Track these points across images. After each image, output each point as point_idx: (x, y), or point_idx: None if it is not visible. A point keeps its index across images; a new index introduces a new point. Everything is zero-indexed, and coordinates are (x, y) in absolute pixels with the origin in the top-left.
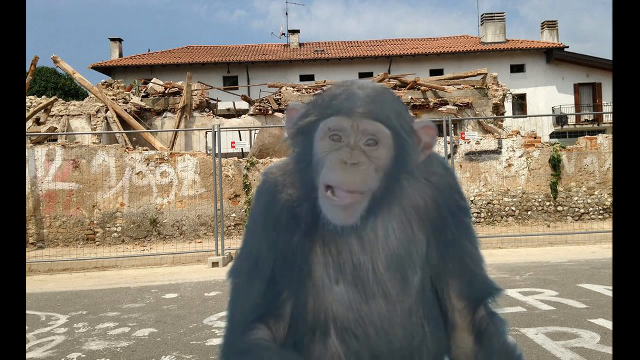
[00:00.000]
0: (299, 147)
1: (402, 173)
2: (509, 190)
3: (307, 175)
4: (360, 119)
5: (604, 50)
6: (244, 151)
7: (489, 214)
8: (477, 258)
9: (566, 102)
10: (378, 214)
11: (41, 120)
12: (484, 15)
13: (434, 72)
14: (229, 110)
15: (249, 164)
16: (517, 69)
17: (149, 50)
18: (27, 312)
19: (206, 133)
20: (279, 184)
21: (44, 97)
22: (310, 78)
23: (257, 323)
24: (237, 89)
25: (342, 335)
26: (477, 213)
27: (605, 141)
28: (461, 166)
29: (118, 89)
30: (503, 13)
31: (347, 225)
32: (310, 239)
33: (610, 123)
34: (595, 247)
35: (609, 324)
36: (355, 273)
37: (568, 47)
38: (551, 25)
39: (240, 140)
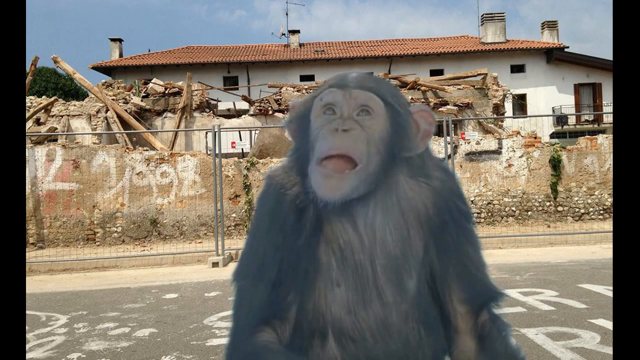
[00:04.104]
0: (297, 133)
1: (399, 150)
2: (509, 190)
3: (306, 160)
4: (353, 89)
5: (604, 50)
6: (244, 151)
7: (489, 214)
8: (478, 262)
9: (566, 102)
10: (376, 205)
11: (41, 120)
12: (484, 15)
13: (434, 72)
14: (229, 110)
15: (249, 164)
16: (517, 69)
17: (149, 50)
18: (27, 312)
19: (206, 133)
20: (283, 185)
21: (44, 97)
22: (310, 78)
23: (263, 325)
24: (237, 89)
25: (339, 339)
26: (477, 213)
27: (605, 141)
28: (461, 166)
29: (118, 89)
30: (503, 13)
31: (335, 199)
32: (315, 239)
33: (610, 123)
34: (595, 247)
35: (609, 324)
36: (355, 274)
37: (568, 47)
38: (551, 25)
39: (240, 140)
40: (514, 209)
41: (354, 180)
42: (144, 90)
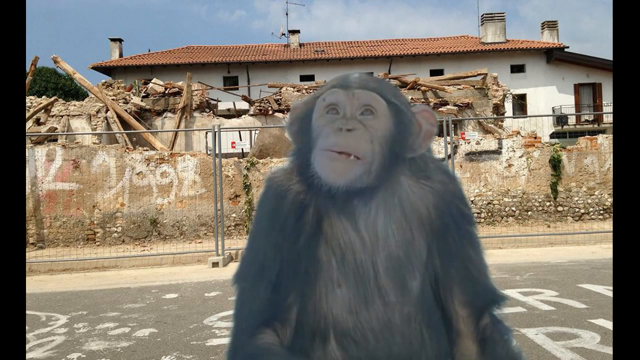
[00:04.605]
0: (299, 134)
1: (401, 150)
2: (509, 190)
3: (307, 161)
4: (356, 89)
5: (604, 50)
6: (244, 151)
7: (489, 214)
8: (480, 266)
9: (566, 102)
10: (378, 205)
11: (41, 120)
12: (484, 15)
13: (434, 72)
14: (229, 110)
15: (249, 164)
16: (517, 69)
17: (149, 50)
18: (27, 312)
19: (206, 133)
20: (283, 186)
21: (44, 97)
22: (310, 78)
23: (264, 327)
24: (237, 89)
25: (341, 340)
26: (477, 213)
27: (605, 141)
28: (461, 166)
29: (118, 89)
30: (503, 13)
31: (340, 183)
32: (315, 240)
33: (610, 123)
34: (595, 247)
35: (609, 324)
36: (357, 275)
37: (568, 47)
38: (551, 25)
39: (240, 140)
40: (514, 209)
41: (359, 168)
42: (144, 90)
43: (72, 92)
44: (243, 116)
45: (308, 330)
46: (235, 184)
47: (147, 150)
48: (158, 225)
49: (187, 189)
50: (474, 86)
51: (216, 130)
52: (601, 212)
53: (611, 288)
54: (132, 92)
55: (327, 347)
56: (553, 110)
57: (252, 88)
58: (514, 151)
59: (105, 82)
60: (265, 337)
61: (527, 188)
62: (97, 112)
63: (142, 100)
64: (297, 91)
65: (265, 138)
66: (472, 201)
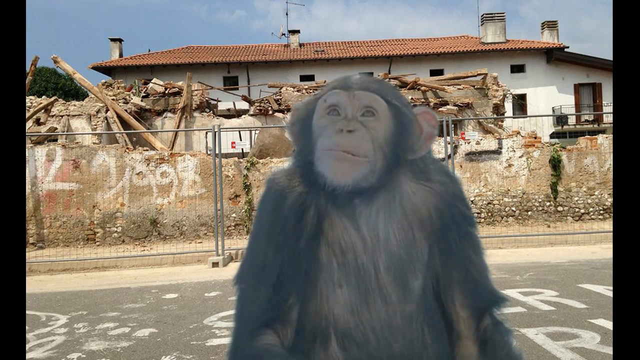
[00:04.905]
0: (299, 136)
1: (402, 152)
2: (509, 190)
3: (308, 162)
4: (357, 90)
5: (604, 50)
6: (244, 151)
7: (489, 214)
8: (481, 267)
9: (566, 102)
10: (379, 206)
11: (41, 120)
12: (484, 15)
13: (434, 72)
14: (229, 110)
15: (249, 164)
16: (517, 69)
17: (149, 50)
18: (27, 312)
19: (206, 133)
20: (284, 187)
21: (44, 97)
22: (310, 78)
23: (265, 328)
24: (237, 89)
25: (342, 341)
26: (477, 213)
27: (605, 141)
28: (461, 166)
29: (118, 89)
30: (503, 13)
31: (346, 182)
32: (316, 241)
33: (610, 123)
34: (595, 247)
35: (609, 324)
36: (358, 275)
37: (568, 47)
38: (551, 25)
39: (240, 140)
40: (514, 209)
41: (365, 167)
42: (144, 90)
43: (72, 92)
44: (243, 116)
45: (309, 331)
46: (235, 184)
47: (147, 150)
48: (158, 225)
49: (187, 189)
50: (474, 86)
51: (216, 130)
52: (601, 212)
53: (611, 288)
54: (132, 92)
55: (329, 348)
56: (553, 110)
57: (252, 88)
58: (514, 151)
59: (105, 82)
60: (266, 338)
61: (527, 188)
62: (97, 112)
63: (142, 100)
64: (297, 91)
65: (265, 138)
66: (472, 201)
